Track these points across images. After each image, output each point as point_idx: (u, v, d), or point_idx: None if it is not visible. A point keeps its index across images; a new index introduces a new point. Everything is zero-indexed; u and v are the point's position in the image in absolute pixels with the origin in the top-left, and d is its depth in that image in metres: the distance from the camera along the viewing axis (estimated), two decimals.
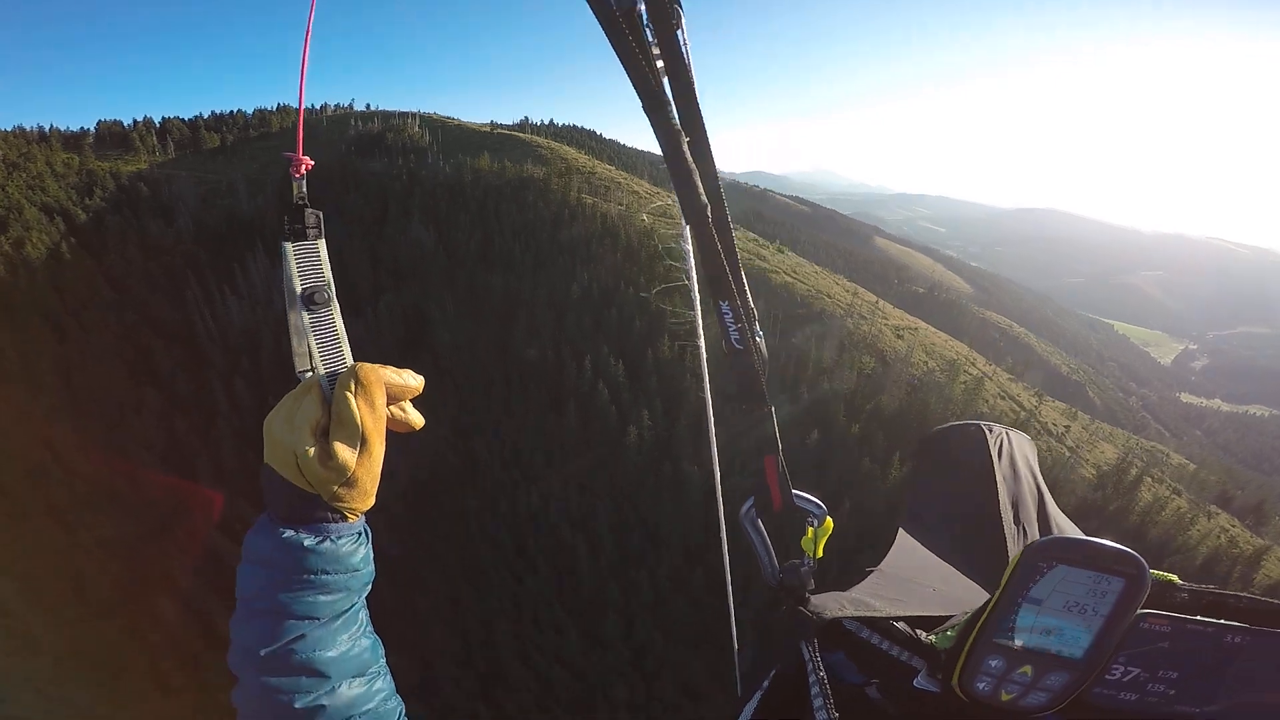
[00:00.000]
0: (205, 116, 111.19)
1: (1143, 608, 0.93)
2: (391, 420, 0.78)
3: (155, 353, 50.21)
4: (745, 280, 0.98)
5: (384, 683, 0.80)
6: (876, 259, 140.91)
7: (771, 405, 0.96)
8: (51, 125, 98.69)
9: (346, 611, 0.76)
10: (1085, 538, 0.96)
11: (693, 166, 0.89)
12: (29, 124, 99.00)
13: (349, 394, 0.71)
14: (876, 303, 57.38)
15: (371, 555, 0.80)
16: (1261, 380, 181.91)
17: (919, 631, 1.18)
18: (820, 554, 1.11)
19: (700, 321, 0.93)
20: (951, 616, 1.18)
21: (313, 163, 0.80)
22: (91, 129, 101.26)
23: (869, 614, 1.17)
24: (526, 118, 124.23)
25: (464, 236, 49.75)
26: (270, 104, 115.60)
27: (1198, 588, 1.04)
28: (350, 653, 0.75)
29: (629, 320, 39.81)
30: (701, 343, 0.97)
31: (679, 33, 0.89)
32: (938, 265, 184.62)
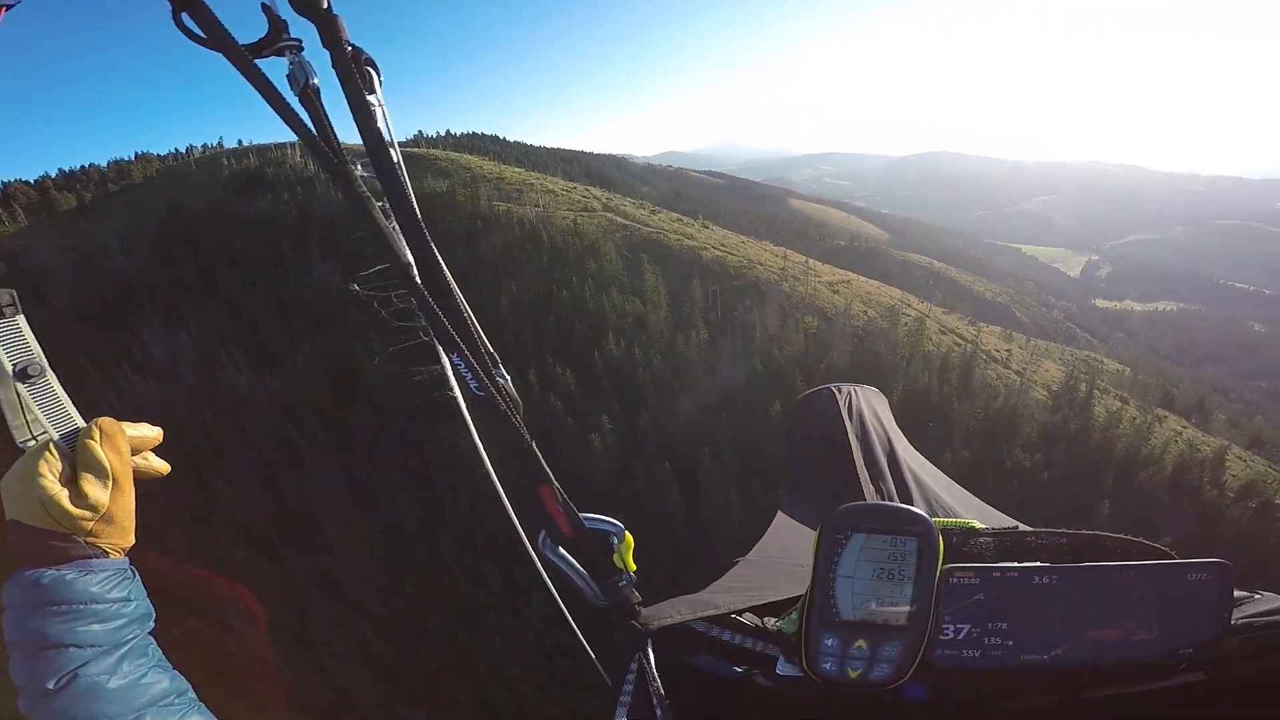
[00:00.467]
0: (53, 175, 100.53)
1: (949, 561, 0.96)
2: (139, 470, 0.83)
3: None
4: (475, 323, 0.98)
5: (198, 718, 0.81)
6: (795, 219, 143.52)
7: (532, 440, 0.95)
8: None
9: (128, 642, 0.77)
10: (874, 504, 1.03)
11: (387, 227, 0.90)
12: None
13: (93, 441, 0.76)
14: (806, 262, 57.37)
15: (144, 592, 0.82)
16: (1160, 280, 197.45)
17: (767, 619, 1.17)
18: (633, 567, 1.08)
19: (450, 371, 0.92)
20: (800, 597, 1.10)
21: None
22: None
23: (708, 613, 1.15)
24: (420, 132, 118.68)
25: (373, 266, 45.99)
26: (126, 153, 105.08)
27: (999, 530, 1.05)
28: (140, 682, 0.76)
29: (568, 325, 37.70)
30: (457, 392, 0.95)
31: (372, 95, 0.90)
32: (851, 217, 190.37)
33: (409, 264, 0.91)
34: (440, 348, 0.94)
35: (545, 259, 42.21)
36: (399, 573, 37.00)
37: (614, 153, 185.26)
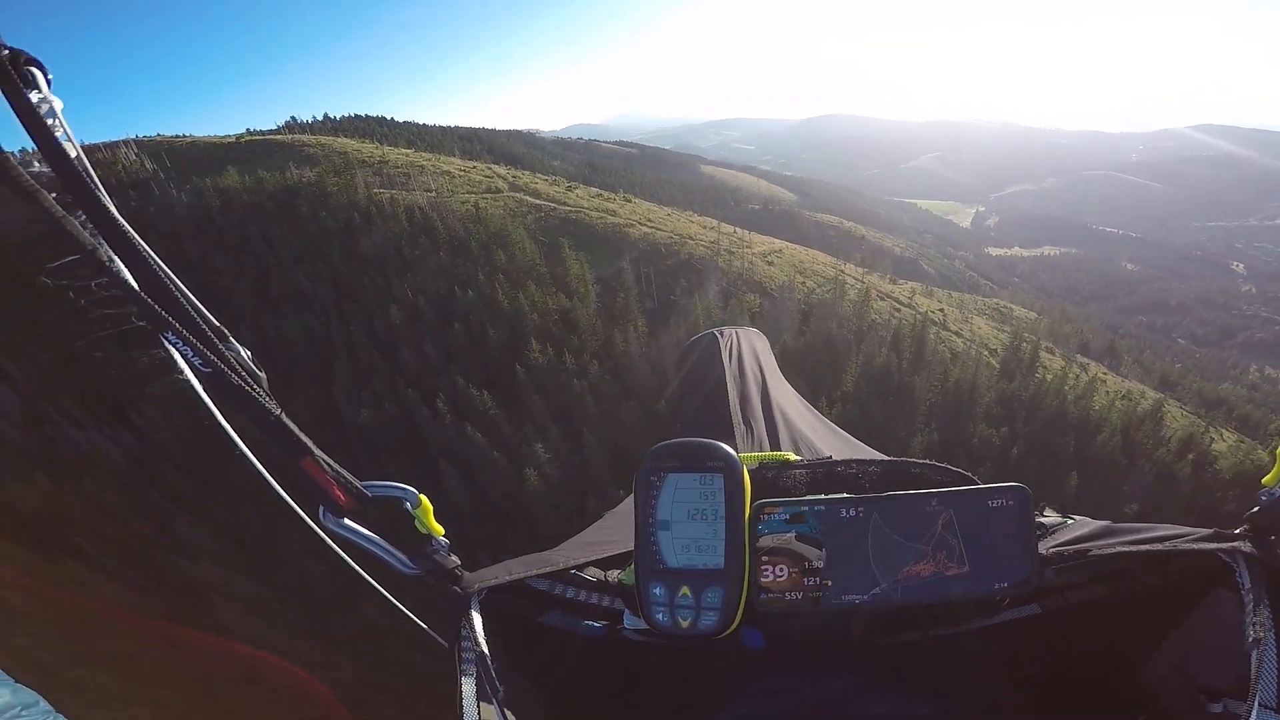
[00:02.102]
0: None
1: (761, 496, 0.93)
2: None
3: None
4: (193, 297, 0.89)
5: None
6: (708, 185, 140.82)
7: (280, 411, 0.87)
8: None
9: None
10: (680, 440, 0.95)
11: (62, 216, 0.81)
12: None
13: None
14: (736, 233, 53.13)
15: None
16: (1041, 226, 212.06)
17: (611, 572, 1.12)
18: (440, 530, 0.99)
19: (174, 350, 0.82)
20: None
21: None
22: None
23: (544, 569, 1.06)
24: (293, 117, 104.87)
25: (229, 279, 37.22)
26: None
27: (810, 461, 1.01)
28: None
29: (479, 332, 31.22)
30: (189, 374, 0.86)
31: (36, 93, 0.81)
32: (761, 181, 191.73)
33: (95, 247, 0.81)
34: (153, 329, 0.83)
35: (443, 253, 35.16)
36: (328, 648, 30.15)
37: (519, 128, 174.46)
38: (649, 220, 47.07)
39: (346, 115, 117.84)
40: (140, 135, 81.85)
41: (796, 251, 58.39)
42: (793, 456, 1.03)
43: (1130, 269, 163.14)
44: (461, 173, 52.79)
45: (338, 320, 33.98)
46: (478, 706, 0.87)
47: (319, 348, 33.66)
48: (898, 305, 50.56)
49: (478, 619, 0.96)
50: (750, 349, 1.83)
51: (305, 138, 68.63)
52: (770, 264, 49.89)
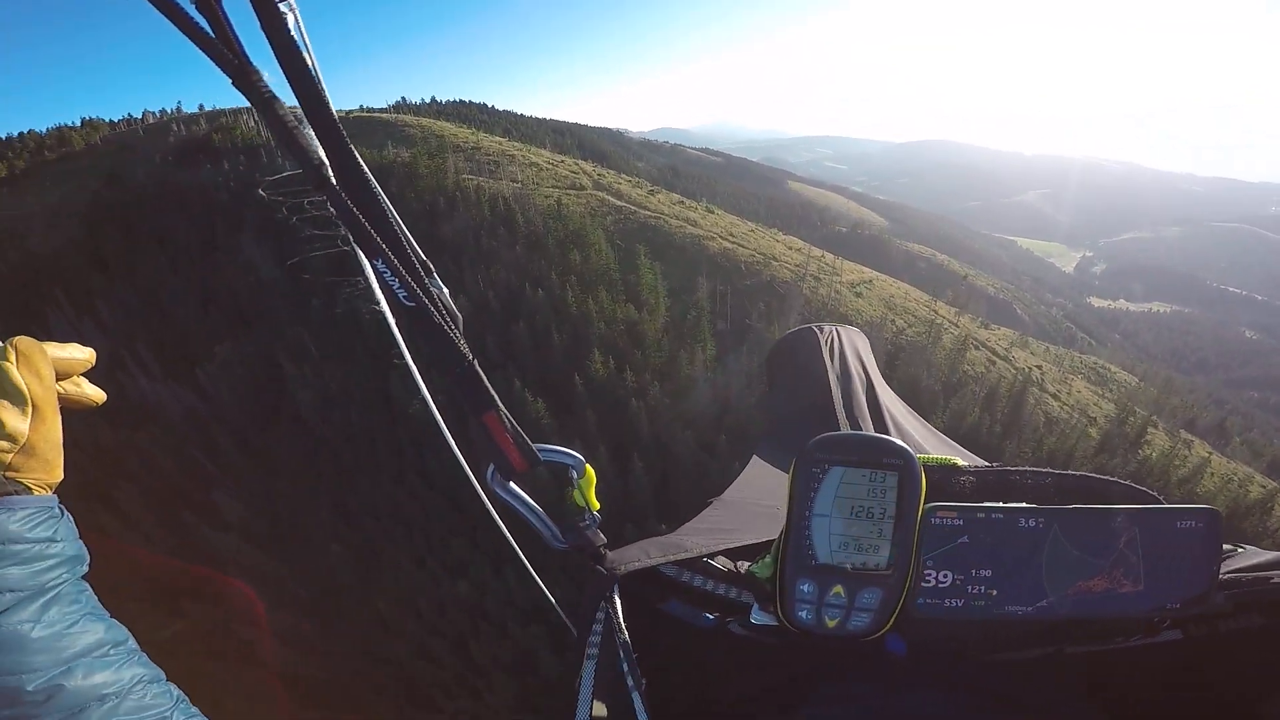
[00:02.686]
0: None
1: (931, 499, 0.89)
2: (67, 398, 0.74)
3: None
4: (405, 230, 0.88)
5: (139, 669, 0.73)
6: (795, 203, 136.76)
7: (473, 358, 0.86)
8: None
9: (55, 587, 0.69)
10: (853, 434, 0.95)
11: (295, 126, 0.82)
12: None
13: (8, 363, 0.67)
14: (822, 257, 50.24)
15: (75, 533, 0.74)
16: (1154, 279, 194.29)
17: (740, 563, 1.11)
18: (597, 505, 1.01)
19: (375, 282, 0.82)
20: (774, 540, 1.02)
21: None
22: None
23: (678, 556, 1.07)
24: (403, 98, 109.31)
25: (311, 248, 37.86)
26: (72, 118, 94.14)
27: (981, 468, 0.99)
28: (69, 631, 0.68)
29: (543, 334, 30.16)
30: (384, 305, 0.89)
31: (281, 2, 0.82)
32: (851, 203, 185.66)
33: (321, 163, 0.82)
34: (362, 254, 0.84)
35: (520, 248, 34.42)
36: (323, 631, 29.98)
37: (609, 126, 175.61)
38: (730, 235, 44.97)
39: (452, 100, 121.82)
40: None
41: (887, 284, 54.82)
42: (961, 462, 0.96)
43: (1250, 336, 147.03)
44: (549, 166, 52.41)
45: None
46: (591, 700, 0.86)
47: (387, 331, 33.58)
48: (993, 357, 46.51)
49: (619, 604, 0.95)
50: (852, 347, 1.77)
51: (408, 118, 70.48)
52: (859, 295, 46.76)
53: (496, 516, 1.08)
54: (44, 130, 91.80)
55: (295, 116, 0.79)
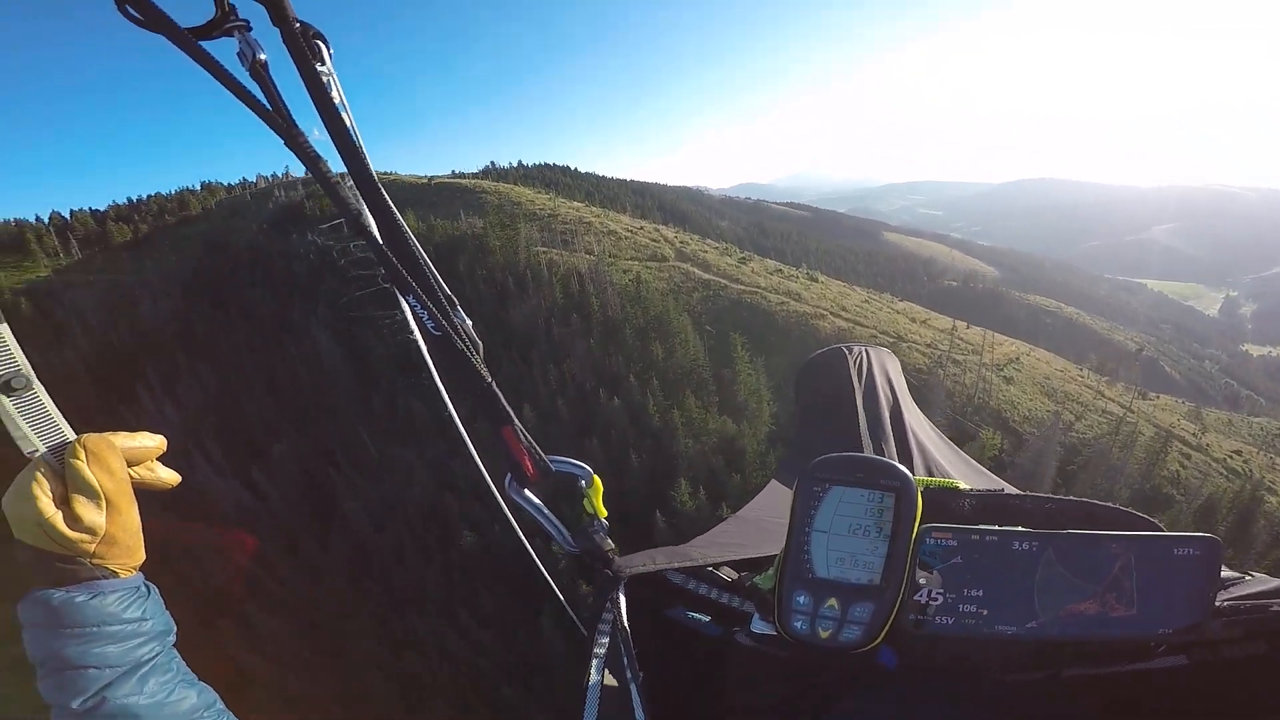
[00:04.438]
0: (121, 204, 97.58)
1: (928, 520, 0.92)
2: (141, 483, 0.80)
3: None
4: (432, 267, 1.00)
5: None
6: (897, 255, 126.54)
7: (491, 380, 0.96)
8: None
9: (150, 660, 0.76)
10: (852, 455, 0.97)
11: (337, 180, 0.95)
12: None
13: (78, 461, 0.73)
14: (953, 328, 41.65)
15: (162, 607, 0.81)
16: None
17: (744, 574, 1.16)
18: (604, 513, 1.08)
19: (409, 314, 0.97)
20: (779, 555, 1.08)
21: None
22: None
23: (684, 564, 1.13)
24: (492, 162, 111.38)
25: (375, 334, 34.36)
26: (193, 182, 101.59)
27: (981, 492, 1.01)
28: (167, 700, 0.75)
29: (619, 454, 24.07)
30: (417, 335, 1.00)
31: (322, 66, 0.94)
32: (954, 252, 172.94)
33: (360, 212, 0.95)
34: (396, 290, 0.96)
35: (594, 339, 29.05)
36: None
37: (689, 185, 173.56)
38: (843, 309, 37.90)
39: (538, 163, 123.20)
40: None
41: (1038, 360, 45.20)
42: (963, 485, 0.99)
43: None
44: (628, 234, 47.77)
45: (469, 406, 29.08)
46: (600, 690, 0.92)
47: (446, 434, 29.00)
48: (1185, 448, 36.23)
49: (624, 603, 1.02)
50: (881, 368, 1.75)
51: (486, 184, 69.30)
52: (1008, 380, 37.92)
53: (513, 521, 1.12)
54: (169, 193, 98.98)
55: (344, 177, 0.92)
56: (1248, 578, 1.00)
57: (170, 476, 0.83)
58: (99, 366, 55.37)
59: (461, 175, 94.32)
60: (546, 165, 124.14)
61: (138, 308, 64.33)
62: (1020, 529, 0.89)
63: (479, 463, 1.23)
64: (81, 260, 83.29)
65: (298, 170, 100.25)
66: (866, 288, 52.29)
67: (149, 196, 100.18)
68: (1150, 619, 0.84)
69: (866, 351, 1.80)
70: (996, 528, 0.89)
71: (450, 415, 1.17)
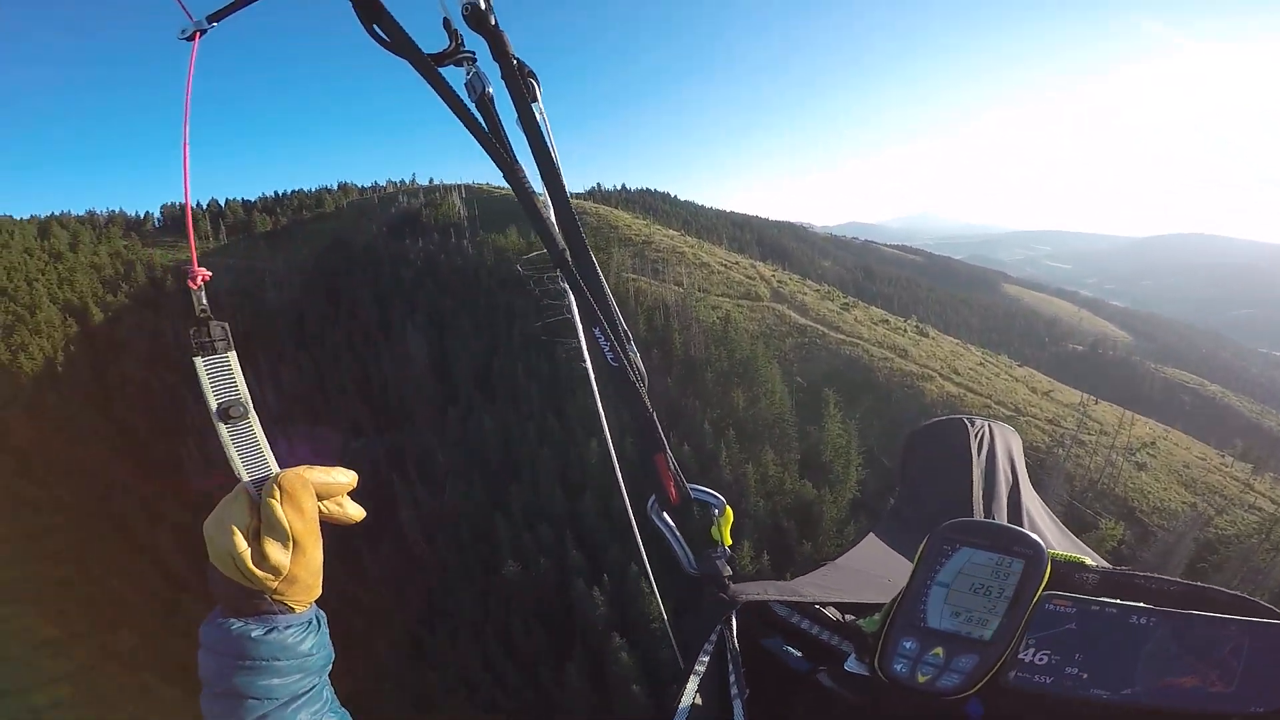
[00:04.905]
0: (269, 196, 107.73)
1: (1051, 589, 0.96)
2: (329, 517, 0.84)
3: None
4: (614, 305, 1.09)
5: None
6: (1017, 312, 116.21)
7: (653, 411, 1.05)
8: (119, 209, 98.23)
9: (306, 693, 0.80)
10: (988, 521, 1.04)
11: (548, 219, 1.04)
12: (109, 208, 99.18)
13: (273, 500, 0.76)
14: (1081, 403, 36.49)
15: (327, 639, 0.85)
16: None
17: (848, 616, 1.22)
18: (729, 541, 1.16)
19: (585, 347, 1.11)
20: (884, 604, 1.15)
21: (210, 274, 0.84)
22: (156, 214, 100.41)
23: (793, 599, 1.21)
24: (598, 184, 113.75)
25: (463, 346, 34.62)
26: (331, 181, 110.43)
27: (1108, 569, 1.05)
28: None
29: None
30: (589, 363, 1.16)
31: (535, 104, 1.02)
32: (1083, 311, 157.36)
33: (563, 249, 1.02)
34: (582, 323, 1.06)
35: (672, 379, 27.46)
36: None
37: (791, 220, 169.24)
38: (954, 371, 34.10)
39: (640, 188, 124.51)
40: (473, 182, 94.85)
41: (1175, 445, 39.01)
42: (1089, 561, 1.02)
43: None
44: (722, 268, 45.98)
45: (536, 431, 28.34)
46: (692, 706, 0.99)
47: (511, 456, 28.26)
48: None
49: (735, 625, 1.11)
50: (1005, 445, 1.76)
51: (588, 205, 70.06)
52: (1140, 466, 32.71)
53: (639, 541, 1.22)
54: (310, 190, 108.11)
55: (544, 204, 1.00)
56: None
57: (357, 512, 0.86)
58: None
59: (571, 195, 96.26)
60: (647, 190, 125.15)
61: (264, 294, 70.05)
62: (1141, 604, 0.92)
63: (620, 479, 1.29)
64: (226, 245, 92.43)
65: (422, 179, 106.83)
66: (982, 348, 47.40)
67: (292, 192, 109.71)
68: (1247, 697, 0.86)
69: (990, 426, 1.77)
70: (1118, 601, 0.92)
71: (605, 435, 1.24)
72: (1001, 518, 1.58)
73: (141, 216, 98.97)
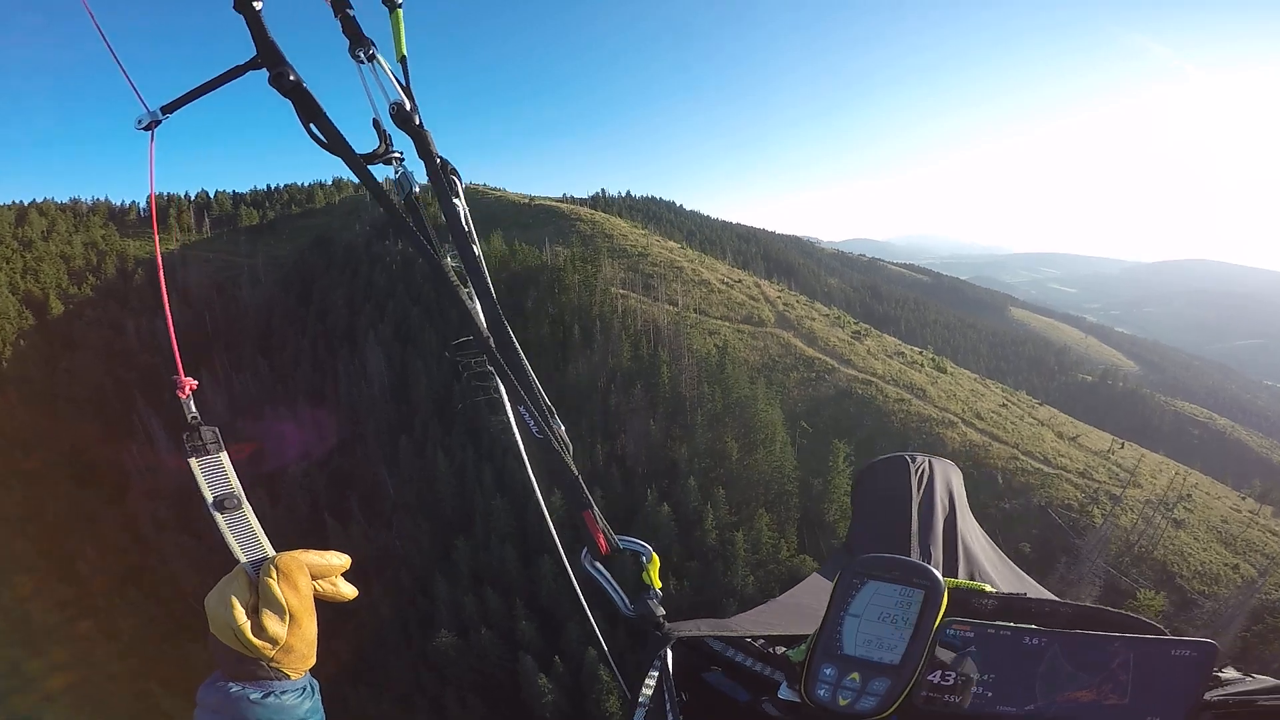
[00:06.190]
0: (259, 190, 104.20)
1: (952, 615, 1.06)
2: (323, 595, 0.91)
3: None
4: (537, 383, 1.16)
5: None
6: (1022, 337, 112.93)
7: (578, 474, 1.13)
8: (104, 198, 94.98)
9: None
10: (891, 556, 1.13)
11: (472, 307, 1.11)
12: (94, 196, 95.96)
13: (270, 579, 0.84)
14: (1111, 451, 32.74)
15: (320, 705, 0.90)
16: None
17: (777, 647, 1.31)
18: (659, 584, 1.23)
19: (514, 419, 1.15)
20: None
21: (196, 383, 0.90)
22: (141, 203, 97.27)
23: (725, 633, 1.30)
24: (603, 190, 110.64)
25: (425, 367, 30.76)
26: (326, 176, 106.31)
27: (1004, 594, 1.15)
28: None
29: (663, 583, 18.24)
30: (517, 436, 1.19)
31: (456, 199, 1.11)
32: (1090, 338, 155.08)
33: (488, 337, 1.10)
34: (509, 402, 1.13)
35: (657, 419, 23.57)
36: None
37: (798, 234, 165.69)
38: (976, 415, 30.24)
39: (645, 196, 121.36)
40: (468, 182, 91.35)
41: (1211, 496, 35.35)
42: (988, 589, 1.13)
43: None
44: (722, 286, 42.01)
45: (496, 472, 24.56)
46: None
47: (465, 502, 24.43)
48: None
49: (670, 661, 1.18)
50: (944, 480, 1.85)
51: (584, 211, 66.40)
52: (1178, 524, 29.00)
53: (578, 588, 1.29)
54: (305, 184, 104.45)
55: (469, 295, 1.09)
56: (1248, 679, 1.06)
57: (350, 590, 0.92)
58: (181, 345, 56.74)
59: (572, 199, 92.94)
60: (652, 198, 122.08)
61: (239, 290, 66.32)
62: (1033, 626, 1.01)
63: (557, 540, 1.38)
64: (208, 239, 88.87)
65: (421, 176, 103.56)
66: (1001, 385, 43.44)
67: (284, 186, 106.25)
68: (1139, 709, 0.93)
69: (930, 462, 1.86)
70: (1012, 624, 1.02)
71: (538, 499, 1.33)
72: (938, 550, 1.65)
73: (126, 206, 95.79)
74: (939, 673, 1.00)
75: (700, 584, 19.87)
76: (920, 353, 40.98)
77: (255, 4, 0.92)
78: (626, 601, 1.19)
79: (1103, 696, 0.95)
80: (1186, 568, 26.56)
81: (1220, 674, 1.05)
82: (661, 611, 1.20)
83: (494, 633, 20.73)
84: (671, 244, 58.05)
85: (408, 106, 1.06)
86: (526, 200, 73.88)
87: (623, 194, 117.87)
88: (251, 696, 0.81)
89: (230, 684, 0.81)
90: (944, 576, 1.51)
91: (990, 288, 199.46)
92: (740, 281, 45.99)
